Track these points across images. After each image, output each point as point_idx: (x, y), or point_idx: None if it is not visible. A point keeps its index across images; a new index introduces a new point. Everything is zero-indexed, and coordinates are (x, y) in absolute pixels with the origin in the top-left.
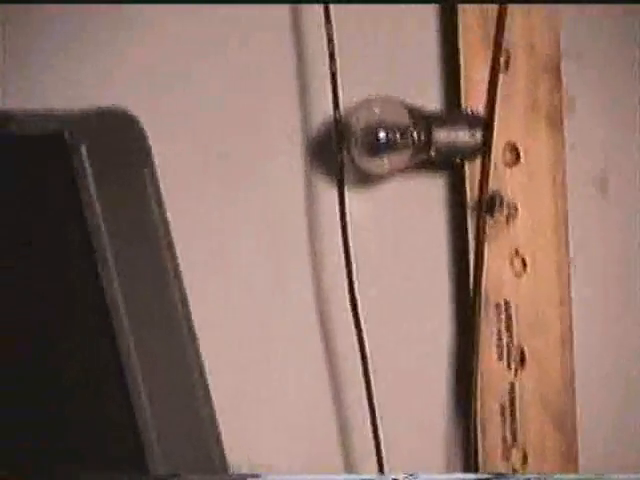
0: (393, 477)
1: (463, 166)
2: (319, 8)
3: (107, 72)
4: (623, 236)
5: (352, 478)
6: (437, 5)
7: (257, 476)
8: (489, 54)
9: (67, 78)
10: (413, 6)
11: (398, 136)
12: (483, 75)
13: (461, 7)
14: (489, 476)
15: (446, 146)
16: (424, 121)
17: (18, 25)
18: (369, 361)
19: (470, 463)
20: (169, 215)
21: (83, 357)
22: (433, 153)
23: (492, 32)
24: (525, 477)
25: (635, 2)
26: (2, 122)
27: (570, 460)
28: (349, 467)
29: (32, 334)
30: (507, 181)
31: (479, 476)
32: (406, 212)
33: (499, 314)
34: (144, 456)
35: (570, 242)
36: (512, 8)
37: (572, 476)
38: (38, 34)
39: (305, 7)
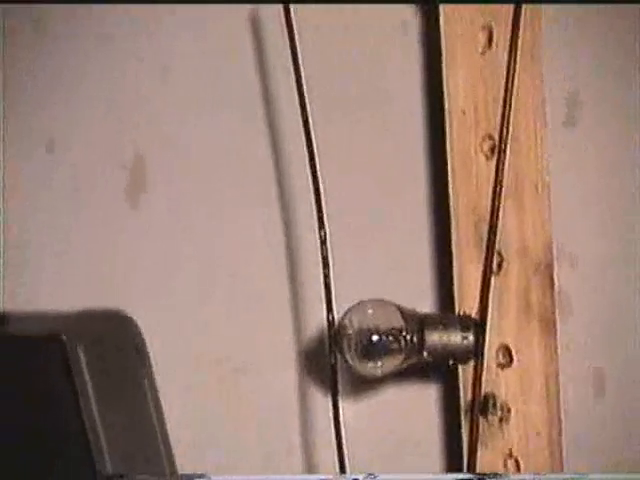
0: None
1: (456, 368)
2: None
3: (102, 272)
4: (619, 437)
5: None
6: (431, 209)
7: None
8: (482, 256)
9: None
10: (407, 210)
11: (391, 339)
12: (476, 277)
13: (453, 208)
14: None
15: (439, 348)
16: (417, 323)
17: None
18: None
19: None
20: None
21: None
22: (426, 355)
23: (485, 234)
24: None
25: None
26: None
27: None
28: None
29: None
30: (500, 383)
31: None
32: (400, 415)
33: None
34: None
35: (564, 443)
36: (504, 209)
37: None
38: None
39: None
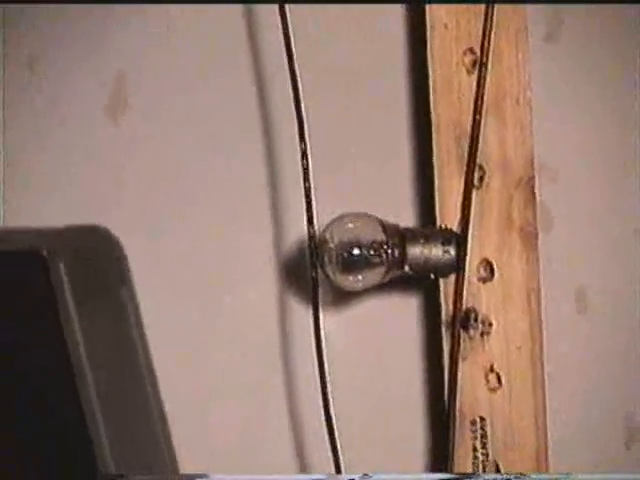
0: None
1: (437, 282)
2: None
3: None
4: (600, 351)
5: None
6: (412, 123)
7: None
8: (463, 170)
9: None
10: (388, 124)
11: (372, 252)
12: (457, 191)
13: (435, 123)
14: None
15: (420, 262)
16: (398, 237)
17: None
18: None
19: None
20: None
21: None
22: (407, 269)
23: (466, 149)
24: (492, 477)
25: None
26: None
27: None
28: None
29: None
30: (482, 297)
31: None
32: (381, 328)
33: (474, 430)
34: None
35: (545, 358)
36: (486, 124)
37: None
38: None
39: (278, 119)
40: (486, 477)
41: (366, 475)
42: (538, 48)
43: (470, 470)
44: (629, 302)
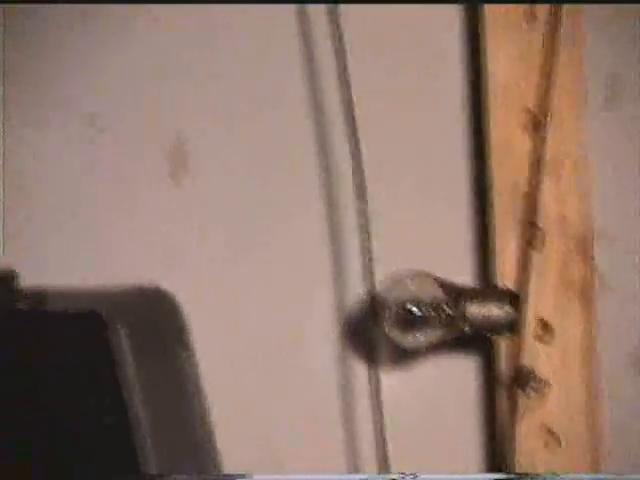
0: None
1: (495, 341)
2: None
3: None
4: None
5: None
6: (471, 182)
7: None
8: (521, 231)
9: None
10: (448, 183)
11: (431, 311)
12: (515, 249)
13: (494, 179)
14: (504, 476)
15: (479, 321)
16: (457, 296)
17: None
18: None
19: None
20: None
21: None
22: (466, 328)
23: (523, 208)
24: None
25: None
26: (38, 299)
27: None
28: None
29: None
30: (540, 357)
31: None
32: (439, 387)
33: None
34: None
35: (604, 420)
36: (544, 187)
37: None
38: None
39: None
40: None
41: (411, 475)
42: (597, 111)
43: None
44: None
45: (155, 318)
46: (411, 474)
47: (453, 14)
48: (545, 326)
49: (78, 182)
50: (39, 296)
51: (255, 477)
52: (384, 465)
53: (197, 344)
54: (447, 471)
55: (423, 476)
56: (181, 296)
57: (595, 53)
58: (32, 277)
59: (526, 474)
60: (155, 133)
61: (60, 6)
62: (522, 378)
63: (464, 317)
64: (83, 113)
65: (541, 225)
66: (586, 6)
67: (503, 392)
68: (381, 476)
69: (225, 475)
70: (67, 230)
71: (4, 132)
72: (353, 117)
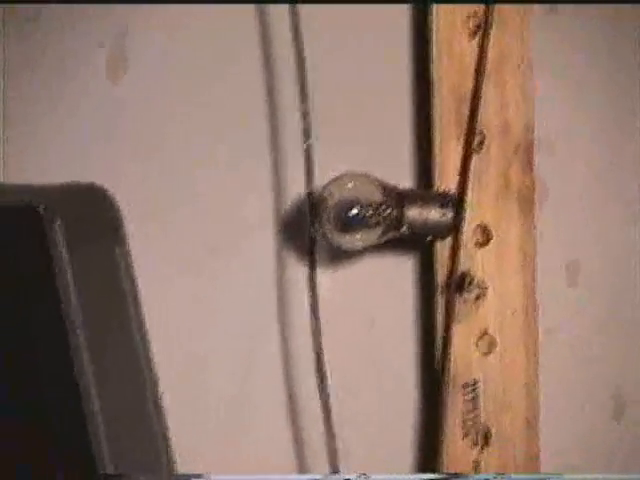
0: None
1: (433, 245)
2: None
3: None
4: (592, 320)
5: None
6: (413, 86)
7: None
8: (462, 135)
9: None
10: (390, 86)
11: (370, 212)
12: (456, 155)
13: (436, 88)
14: (445, 476)
15: (418, 224)
16: (397, 198)
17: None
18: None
19: None
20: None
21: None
22: (405, 230)
23: (466, 113)
24: (484, 477)
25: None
26: None
27: None
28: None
29: None
30: (477, 261)
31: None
32: (376, 288)
33: (466, 393)
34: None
35: (539, 323)
36: (486, 89)
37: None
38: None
39: (280, 79)
40: (477, 477)
41: (363, 475)
42: (541, 19)
43: (460, 435)
44: (620, 276)
45: (90, 213)
46: (362, 474)
47: None
48: (484, 231)
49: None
50: None
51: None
52: (318, 371)
53: (132, 243)
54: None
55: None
56: (117, 194)
57: None
58: None
59: (458, 474)
60: None
61: None
62: (460, 282)
63: (403, 219)
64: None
65: (483, 130)
66: None
67: (441, 296)
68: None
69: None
70: (7, 130)
71: None
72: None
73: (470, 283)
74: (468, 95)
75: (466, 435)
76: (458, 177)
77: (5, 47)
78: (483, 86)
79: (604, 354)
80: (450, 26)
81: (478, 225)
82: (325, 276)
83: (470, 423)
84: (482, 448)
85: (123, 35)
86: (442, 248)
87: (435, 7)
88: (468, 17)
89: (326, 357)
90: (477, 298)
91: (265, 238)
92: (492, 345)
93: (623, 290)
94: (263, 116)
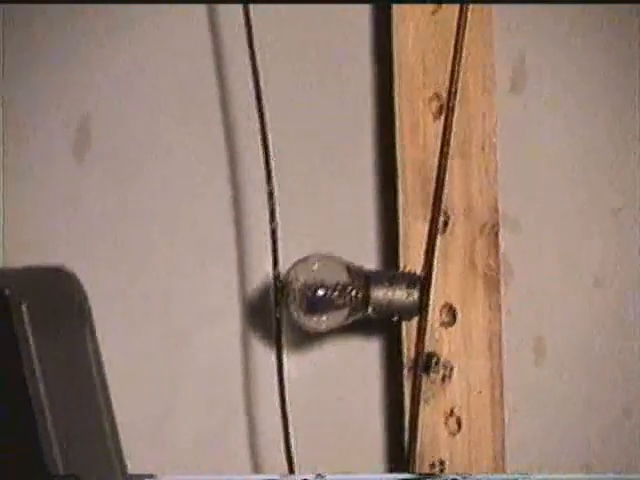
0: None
1: (400, 325)
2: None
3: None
4: (558, 399)
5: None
6: (377, 167)
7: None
8: (428, 215)
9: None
10: (354, 167)
11: (336, 294)
12: (421, 235)
13: (400, 167)
14: (411, 476)
15: (384, 305)
16: (362, 279)
17: None
18: None
19: None
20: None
21: None
22: (371, 311)
23: (431, 194)
24: (451, 477)
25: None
26: None
27: None
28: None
29: None
30: (443, 341)
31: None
32: (343, 369)
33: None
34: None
35: (505, 403)
36: (451, 170)
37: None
38: None
39: (245, 160)
40: (445, 477)
41: (319, 475)
42: (505, 97)
43: None
44: (585, 353)
45: (57, 295)
46: (318, 474)
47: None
48: (449, 311)
49: None
50: None
51: (161, 477)
52: (286, 448)
53: (98, 321)
54: (348, 453)
55: (330, 476)
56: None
57: (503, 35)
58: None
59: (432, 474)
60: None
61: None
62: (426, 362)
63: (369, 300)
64: None
65: (447, 209)
66: None
67: (407, 376)
68: (291, 477)
69: (132, 475)
70: None
71: None
72: (262, 105)
73: (437, 363)
74: (433, 175)
75: None
76: (424, 257)
77: None
78: (448, 167)
79: (571, 432)
80: (413, 108)
81: (444, 305)
82: (292, 358)
83: None
84: None
85: (88, 117)
86: (408, 328)
87: (397, 88)
88: (430, 99)
89: (293, 438)
90: (443, 378)
91: (231, 322)
92: (458, 425)
93: (588, 368)
94: (228, 196)
